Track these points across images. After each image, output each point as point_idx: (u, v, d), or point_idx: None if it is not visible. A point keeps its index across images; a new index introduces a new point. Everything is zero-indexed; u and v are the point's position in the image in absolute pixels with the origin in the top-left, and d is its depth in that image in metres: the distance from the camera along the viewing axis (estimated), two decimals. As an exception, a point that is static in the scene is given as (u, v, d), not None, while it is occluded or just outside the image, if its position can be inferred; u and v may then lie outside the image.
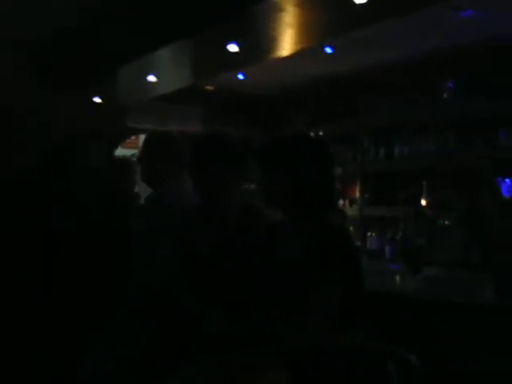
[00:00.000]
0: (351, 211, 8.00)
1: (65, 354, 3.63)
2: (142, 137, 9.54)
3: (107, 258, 3.89)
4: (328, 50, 6.90)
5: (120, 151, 8.85)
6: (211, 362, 2.78)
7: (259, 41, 5.78)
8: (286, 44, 5.93)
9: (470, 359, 3.46)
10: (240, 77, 8.07)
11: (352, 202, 8.20)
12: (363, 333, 3.05)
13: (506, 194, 6.11)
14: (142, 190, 5.05)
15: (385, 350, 2.98)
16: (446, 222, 6.28)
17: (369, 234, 7.62)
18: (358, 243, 7.25)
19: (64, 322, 3.68)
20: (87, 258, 3.84)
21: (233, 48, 5.80)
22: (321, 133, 8.31)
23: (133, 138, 9.61)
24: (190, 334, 3.18)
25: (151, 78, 7.01)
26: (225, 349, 2.91)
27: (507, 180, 6.19)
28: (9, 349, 3.62)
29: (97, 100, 7.69)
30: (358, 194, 8.20)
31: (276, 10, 4.95)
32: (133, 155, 7.75)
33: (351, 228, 7.34)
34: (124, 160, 6.09)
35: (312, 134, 8.16)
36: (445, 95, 7.02)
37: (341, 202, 8.16)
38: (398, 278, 4.76)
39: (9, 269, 3.67)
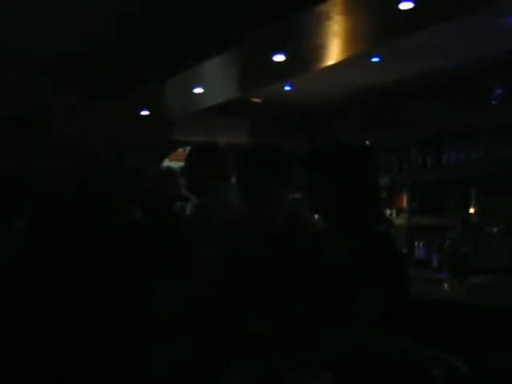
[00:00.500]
0: (399, 220, 7.95)
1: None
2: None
3: (133, 256, 3.92)
4: (375, 59, 6.90)
5: (167, 163, 8.92)
6: (257, 364, 2.79)
7: (305, 50, 5.78)
8: (333, 53, 5.93)
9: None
10: (287, 88, 8.11)
11: (399, 211, 8.16)
12: (411, 339, 3.04)
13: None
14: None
15: (431, 355, 2.97)
16: (495, 229, 6.22)
17: (416, 243, 7.57)
18: (405, 252, 7.22)
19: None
20: (115, 258, 3.86)
21: (279, 58, 5.82)
22: (367, 142, 8.30)
23: (180, 150, 9.66)
24: (236, 337, 3.21)
25: (198, 90, 7.05)
26: (270, 351, 2.93)
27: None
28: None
29: (144, 113, 7.79)
30: (405, 203, 8.15)
31: (322, 18, 4.96)
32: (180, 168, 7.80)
33: (398, 237, 7.31)
34: (167, 169, 6.14)
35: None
36: (493, 101, 6.96)
37: (388, 211, 8.12)
38: (444, 285, 4.73)
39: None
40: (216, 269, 3.64)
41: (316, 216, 3.76)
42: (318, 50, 5.79)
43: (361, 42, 5.66)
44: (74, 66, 6.64)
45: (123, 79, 6.57)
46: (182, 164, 8.50)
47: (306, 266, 3.25)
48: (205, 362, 3.23)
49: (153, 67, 6.32)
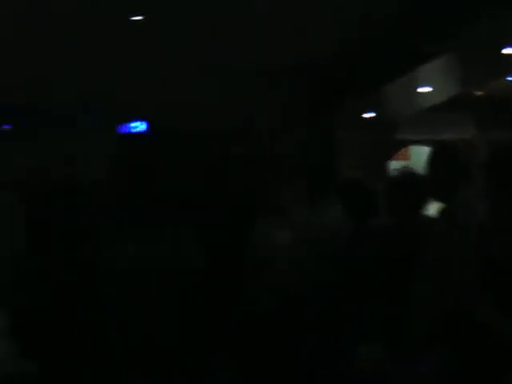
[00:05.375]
0: None
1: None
2: (412, 148, 9.57)
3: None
4: None
5: (392, 164, 8.88)
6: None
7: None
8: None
9: None
10: (510, 78, 7.82)
11: None
12: None
13: None
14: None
15: None
16: None
17: None
18: None
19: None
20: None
21: (508, 51, 5.64)
22: None
23: (403, 149, 9.60)
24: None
25: (422, 89, 6.99)
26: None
27: None
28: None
29: (370, 115, 7.82)
30: None
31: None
32: (404, 167, 7.72)
33: None
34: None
35: None
36: None
37: None
38: None
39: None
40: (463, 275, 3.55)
41: None
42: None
43: None
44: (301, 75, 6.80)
45: (352, 83, 6.64)
46: (405, 163, 8.50)
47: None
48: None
49: (380, 69, 6.33)
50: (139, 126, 8.03)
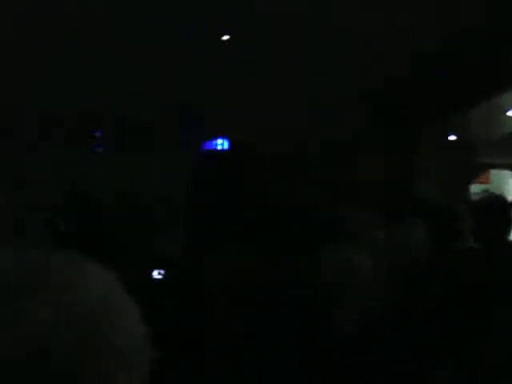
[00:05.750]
0: None
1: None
2: (493, 172, 9.44)
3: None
4: None
5: (472, 187, 8.81)
6: None
7: None
8: None
9: None
10: None
11: None
12: None
13: None
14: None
15: None
16: None
17: None
18: None
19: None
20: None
21: None
22: None
23: (484, 173, 9.51)
24: None
25: (505, 113, 6.94)
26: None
27: None
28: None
29: (453, 137, 7.78)
30: None
31: None
32: (484, 191, 7.65)
33: None
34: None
35: None
36: None
37: None
38: None
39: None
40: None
41: None
42: None
43: None
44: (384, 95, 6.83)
45: (435, 105, 6.63)
46: (485, 187, 8.40)
47: None
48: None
49: (463, 92, 6.32)
50: (222, 144, 8.11)
